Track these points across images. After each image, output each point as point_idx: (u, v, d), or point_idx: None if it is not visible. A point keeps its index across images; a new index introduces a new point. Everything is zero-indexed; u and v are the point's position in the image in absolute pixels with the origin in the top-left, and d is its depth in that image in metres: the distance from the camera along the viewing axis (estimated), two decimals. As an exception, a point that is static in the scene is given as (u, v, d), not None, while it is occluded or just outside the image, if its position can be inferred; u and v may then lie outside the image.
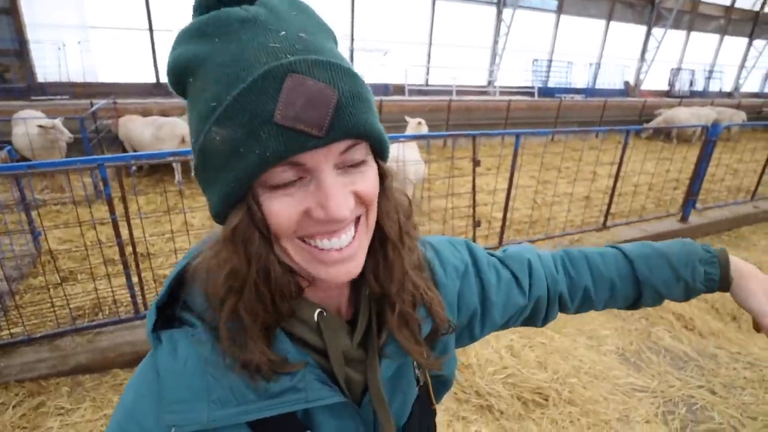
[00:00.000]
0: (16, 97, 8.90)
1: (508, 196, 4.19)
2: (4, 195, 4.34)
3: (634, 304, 0.84)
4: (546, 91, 15.66)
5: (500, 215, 4.36)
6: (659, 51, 17.12)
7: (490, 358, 2.91)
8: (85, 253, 3.36)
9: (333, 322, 0.56)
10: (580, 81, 16.96)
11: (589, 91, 16.48)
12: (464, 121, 10.72)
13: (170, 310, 0.54)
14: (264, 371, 0.49)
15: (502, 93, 14.73)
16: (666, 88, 18.81)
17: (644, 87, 17.98)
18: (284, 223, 0.46)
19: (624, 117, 13.16)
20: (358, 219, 0.50)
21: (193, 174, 0.45)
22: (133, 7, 10.49)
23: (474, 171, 4.03)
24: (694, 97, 18.11)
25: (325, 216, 0.45)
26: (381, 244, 0.56)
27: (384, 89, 12.56)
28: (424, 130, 6.50)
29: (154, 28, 10.90)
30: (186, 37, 0.46)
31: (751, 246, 5.19)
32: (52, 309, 2.99)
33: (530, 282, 0.79)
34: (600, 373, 2.90)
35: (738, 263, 0.78)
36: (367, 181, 0.49)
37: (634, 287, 0.81)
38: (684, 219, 5.33)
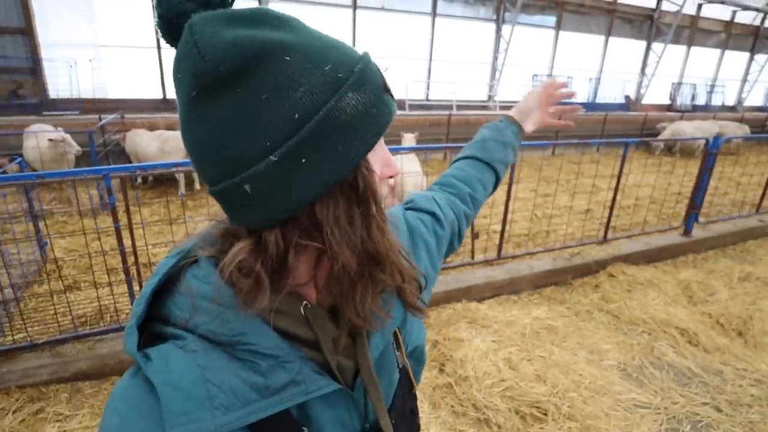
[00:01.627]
0: (29, 112, 9.09)
1: (507, 208, 4.21)
2: (14, 205, 4.42)
3: (497, 180, 1.06)
4: (547, 106, 15.75)
5: (499, 228, 4.38)
6: (660, 65, 17.22)
7: (487, 371, 2.90)
8: (89, 262, 3.41)
9: (317, 312, 0.57)
10: (581, 95, 17.06)
11: (590, 105, 16.54)
12: (464, 135, 10.78)
13: (149, 328, 0.53)
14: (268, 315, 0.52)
15: (502, 107, 14.83)
16: (667, 102, 18.87)
17: (645, 101, 18.03)
18: (382, 189, 0.55)
19: (625, 131, 13.19)
20: None
21: (260, 169, 0.44)
22: (142, 26, 10.76)
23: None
24: (696, 111, 18.12)
25: (391, 171, 0.57)
26: None
27: (387, 104, 12.70)
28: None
29: (162, 46, 11.11)
30: (232, 23, 0.46)
31: (757, 260, 5.15)
32: (55, 316, 3.03)
33: (443, 213, 0.89)
34: (601, 388, 2.88)
35: (513, 112, 1.11)
36: None
37: (491, 170, 1.03)
38: (687, 232, 5.31)
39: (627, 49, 17.34)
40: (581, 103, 16.40)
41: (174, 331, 0.51)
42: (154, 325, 0.53)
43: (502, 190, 4.44)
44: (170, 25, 0.50)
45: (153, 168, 4.76)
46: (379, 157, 0.55)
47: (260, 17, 0.47)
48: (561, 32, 15.95)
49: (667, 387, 2.95)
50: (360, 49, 0.53)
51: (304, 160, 0.46)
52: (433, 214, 0.87)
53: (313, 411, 0.56)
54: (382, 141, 0.55)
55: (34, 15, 9.40)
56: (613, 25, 16.67)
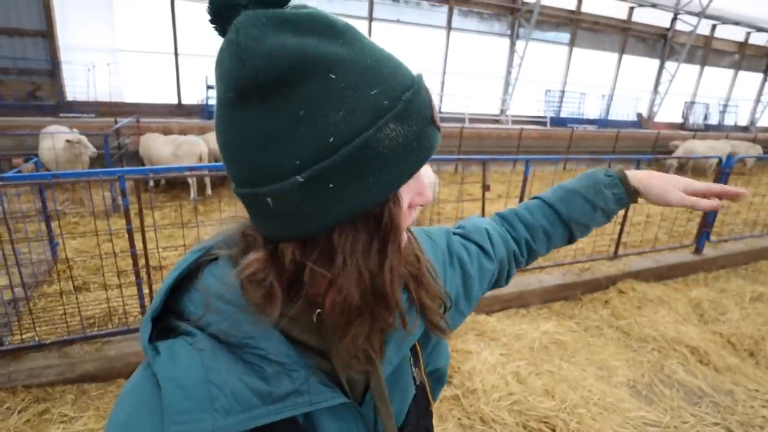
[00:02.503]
0: (46, 113, 9.28)
1: (518, 221, 4.19)
2: (27, 205, 4.48)
3: (570, 240, 0.93)
4: (558, 121, 15.76)
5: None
6: (672, 84, 17.19)
7: (495, 384, 2.86)
8: (99, 264, 3.44)
9: (336, 323, 0.56)
10: (593, 112, 17.05)
11: (602, 122, 16.54)
12: (476, 148, 10.82)
13: (164, 321, 0.53)
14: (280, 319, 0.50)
15: (514, 122, 14.87)
16: (680, 120, 18.79)
17: (657, 119, 17.98)
18: (408, 218, 0.53)
19: (637, 148, 13.14)
20: None
21: (286, 186, 0.43)
22: (160, 32, 10.98)
23: (483, 196, 4.06)
24: (708, 130, 18.03)
25: (424, 200, 0.54)
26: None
27: (399, 116, 12.81)
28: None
29: (179, 52, 11.35)
30: (282, 29, 0.43)
31: (770, 281, 5.07)
32: (63, 316, 3.04)
33: (493, 248, 0.85)
34: (610, 405, 2.82)
35: (635, 174, 0.89)
36: None
37: (564, 226, 0.91)
38: (698, 251, 5.24)
39: (640, 67, 17.37)
40: (593, 120, 16.43)
41: (186, 327, 0.51)
42: (169, 318, 0.53)
43: (512, 203, 4.43)
44: (219, 16, 0.47)
45: (166, 171, 4.82)
46: (412, 186, 0.52)
47: (313, 23, 0.44)
48: (575, 49, 16.01)
49: (677, 406, 2.89)
50: (416, 71, 0.51)
51: (331, 185, 0.44)
52: (481, 247, 0.84)
53: (319, 421, 0.55)
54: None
55: (55, 18, 9.63)
56: (627, 44, 16.72)
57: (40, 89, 9.83)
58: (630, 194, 0.88)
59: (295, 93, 0.42)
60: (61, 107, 9.81)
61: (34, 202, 4.32)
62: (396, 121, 0.45)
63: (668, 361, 3.34)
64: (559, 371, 3.08)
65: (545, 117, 15.78)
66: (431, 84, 14.27)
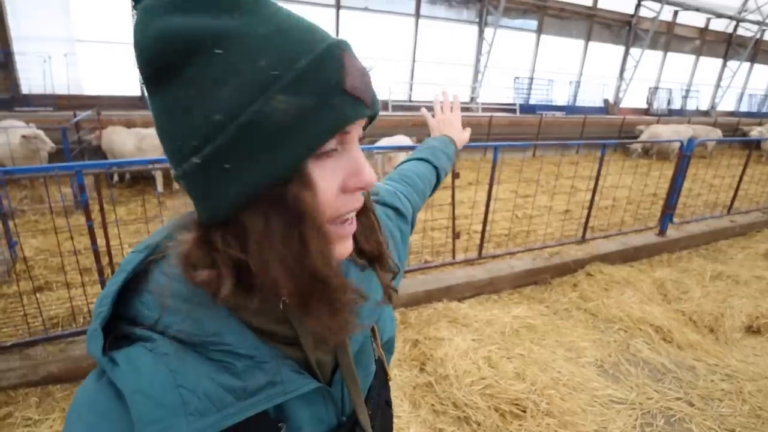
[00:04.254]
0: (-1, 107, 8.80)
1: (487, 208, 4.25)
2: (-20, 204, 4.25)
3: (437, 183, 1.13)
4: (527, 108, 15.97)
5: (480, 228, 4.42)
6: (637, 70, 17.65)
7: (467, 369, 2.91)
8: (61, 262, 3.31)
9: (295, 309, 0.56)
10: (561, 98, 17.35)
11: (570, 109, 16.85)
12: (448, 136, 10.87)
13: (115, 329, 0.49)
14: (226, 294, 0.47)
15: (484, 109, 14.99)
16: (645, 106, 19.35)
17: (623, 105, 18.46)
18: (329, 199, 0.48)
19: (603, 134, 13.47)
20: None
21: (189, 167, 0.43)
22: (119, 21, 10.51)
23: (453, 183, 4.09)
24: (672, 115, 18.64)
25: (360, 182, 0.49)
26: (363, 212, 0.60)
27: (369, 105, 12.74)
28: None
29: (141, 41, 10.91)
30: (172, 9, 0.42)
31: (728, 259, 5.31)
32: (24, 318, 2.93)
33: (405, 208, 0.92)
34: (578, 385, 2.92)
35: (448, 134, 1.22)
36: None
37: (436, 173, 1.11)
38: (662, 232, 5.44)
39: (606, 53, 17.73)
40: (562, 107, 16.73)
41: (142, 333, 0.48)
42: (120, 325, 0.49)
43: (482, 190, 4.49)
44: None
45: (129, 165, 4.65)
46: (342, 165, 0.48)
47: (204, 2, 0.42)
48: (542, 36, 16.20)
49: (642, 383, 3.01)
50: (327, 34, 0.47)
51: (227, 165, 0.42)
52: (396, 210, 0.87)
53: (290, 409, 0.55)
54: (352, 147, 0.49)
55: (5, 6, 9.10)
56: (593, 30, 17.01)
57: (-8, 82, 9.32)
58: (455, 145, 1.21)
59: (183, 75, 0.42)
60: (15, 101, 9.32)
61: (-12, 201, 4.12)
62: (286, 92, 0.42)
63: (634, 341, 3.47)
64: (529, 354, 3.16)
65: (515, 104, 15.97)
66: (401, 73, 14.28)
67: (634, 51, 17.65)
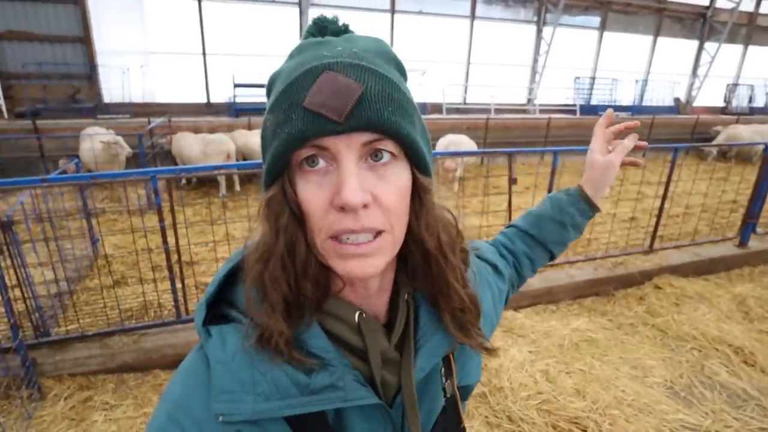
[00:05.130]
0: (85, 115, 9.69)
1: (547, 214, 4.09)
2: (70, 203, 4.70)
3: (552, 257, 1.00)
4: (588, 109, 15.22)
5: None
6: (713, 66, 16.33)
7: (523, 382, 2.82)
8: (135, 259, 3.58)
9: (372, 324, 0.58)
10: (626, 98, 16.40)
11: (636, 109, 15.88)
12: (502, 139, 10.62)
13: (217, 308, 0.58)
14: (280, 346, 0.51)
15: (542, 111, 14.48)
16: (722, 104, 17.85)
17: (697, 104, 17.14)
18: (315, 211, 0.50)
19: (674, 135, 12.58)
20: (380, 232, 0.51)
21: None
22: (189, 33, 11.25)
23: (510, 189, 3.98)
24: (754, 113, 17.05)
25: (338, 200, 0.47)
26: (423, 258, 0.58)
27: (421, 108, 12.64)
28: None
29: (207, 52, 11.60)
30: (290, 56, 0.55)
31: (821, 276, 4.77)
32: (104, 309, 3.19)
33: (504, 269, 0.89)
34: (645, 407, 2.73)
35: (586, 183, 0.97)
36: (389, 185, 0.51)
37: (542, 247, 0.97)
38: (743, 244, 4.98)
39: (677, 49, 16.56)
40: (627, 107, 15.82)
41: (237, 315, 0.56)
42: (222, 306, 0.58)
43: (540, 195, 4.32)
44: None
45: (196, 171, 4.96)
46: (330, 182, 0.49)
47: (296, 47, 0.55)
48: (606, 33, 15.42)
49: (719, 409, 2.76)
50: (329, 58, 0.49)
51: (262, 148, 0.55)
52: (495, 267, 0.86)
53: (349, 420, 0.56)
54: (342, 164, 0.48)
55: (91, 24, 10.00)
56: (662, 25, 15.96)
57: (80, 92, 10.27)
58: (591, 205, 0.96)
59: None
60: (99, 109, 10.21)
61: (76, 201, 4.54)
62: (270, 112, 0.51)
63: (709, 362, 3.20)
64: (590, 370, 3.00)
65: (575, 105, 15.29)
66: (456, 75, 14.11)
67: (710, 45, 16.35)
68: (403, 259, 0.61)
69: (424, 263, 0.59)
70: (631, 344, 3.40)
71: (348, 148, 0.48)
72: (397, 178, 0.51)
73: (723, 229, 5.47)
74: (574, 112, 15.00)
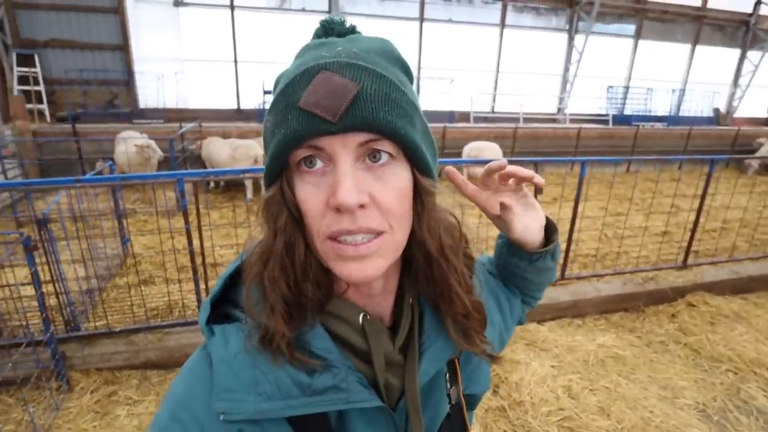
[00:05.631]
0: (122, 120, 10.08)
1: (572, 226, 3.98)
2: (103, 204, 4.88)
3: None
4: (622, 119, 14.78)
5: (564, 246, 4.15)
6: (756, 75, 15.63)
7: (545, 397, 2.73)
8: (162, 259, 3.67)
9: (376, 326, 0.58)
10: (662, 108, 15.87)
11: (672, 119, 15.33)
12: (531, 148, 10.44)
13: (221, 308, 0.58)
14: (282, 348, 0.51)
15: (572, 121, 14.18)
16: (765, 115, 17.05)
17: (738, 114, 16.43)
18: (313, 212, 0.49)
19: (713, 147, 12.08)
20: (380, 233, 0.50)
21: None
22: (222, 42, 11.61)
23: (535, 198, 3.89)
24: (800, 126, 16.21)
25: (333, 201, 0.47)
26: (426, 261, 0.57)
27: (449, 117, 12.62)
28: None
29: (238, 60, 11.91)
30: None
31: None
32: (131, 307, 3.28)
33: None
34: (674, 429, 2.60)
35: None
36: (387, 185, 0.50)
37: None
38: (784, 261, 4.72)
39: (717, 58, 15.94)
40: (662, 117, 15.30)
41: (240, 315, 0.56)
42: (227, 305, 0.59)
43: (568, 206, 4.22)
44: None
45: (222, 174, 5.06)
46: (327, 182, 0.49)
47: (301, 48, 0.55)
48: (641, 41, 15.01)
49: (756, 436, 2.61)
50: (326, 58, 0.49)
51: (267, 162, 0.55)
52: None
53: (351, 422, 0.56)
54: (338, 165, 0.48)
55: (130, 33, 10.44)
56: (702, 33, 15.42)
57: (117, 98, 10.70)
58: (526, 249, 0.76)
59: None
60: (135, 114, 10.61)
61: (109, 202, 4.71)
62: (270, 112, 0.52)
63: (746, 385, 3.03)
64: (616, 388, 2.89)
65: (607, 115, 14.90)
66: (484, 83, 13.98)
67: (753, 54, 15.68)
68: (408, 262, 0.60)
69: (426, 266, 0.58)
70: (661, 363, 3.26)
71: (344, 148, 0.48)
72: (396, 179, 0.51)
73: (764, 246, 5.20)
74: (606, 122, 14.62)
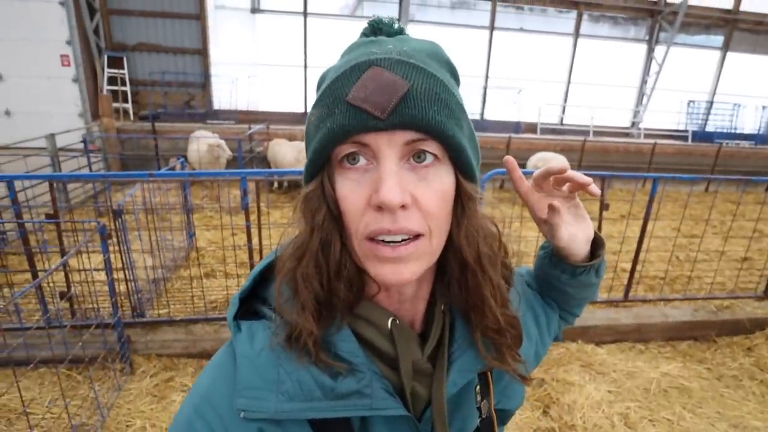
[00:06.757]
0: (197, 120, 10.81)
1: (639, 246, 3.73)
2: (174, 199, 5.23)
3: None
4: (703, 136, 13.63)
5: (629, 266, 3.89)
6: None
7: (599, 424, 2.57)
8: (224, 255, 3.87)
9: (405, 332, 0.56)
10: (750, 126, 14.48)
11: (760, 138, 13.93)
12: (600, 162, 9.90)
13: (250, 304, 0.58)
14: (308, 347, 0.51)
15: (647, 136, 13.30)
16: None
17: (843, 134, 14.61)
18: (352, 209, 0.49)
19: (810, 169, 10.84)
20: (418, 236, 0.50)
21: None
22: (293, 47, 12.11)
23: (600, 215, 3.69)
24: None
25: (376, 199, 0.46)
26: (461, 269, 0.56)
27: (515, 127, 12.29)
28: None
29: (308, 65, 12.37)
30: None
31: None
32: (192, 298, 3.48)
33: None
34: (745, 474, 2.36)
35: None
36: (430, 187, 0.49)
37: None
38: None
39: (819, 71, 14.31)
40: (750, 135, 13.96)
41: (268, 312, 0.56)
42: (255, 302, 0.58)
43: (636, 225, 3.97)
44: None
45: (284, 174, 5.26)
46: (369, 180, 0.48)
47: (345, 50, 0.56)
48: (729, 53, 13.82)
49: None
50: (377, 54, 0.48)
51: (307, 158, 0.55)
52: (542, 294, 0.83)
53: (375, 429, 0.54)
54: (382, 163, 0.47)
55: (209, 38, 11.19)
56: (802, 43, 13.93)
57: (194, 99, 11.50)
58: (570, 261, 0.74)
59: None
60: (209, 115, 11.34)
61: (179, 197, 5.04)
62: (315, 106, 0.51)
63: (834, 435, 2.68)
64: (679, 421, 2.66)
65: (686, 131, 13.83)
66: (554, 94, 13.45)
67: None
68: (442, 269, 0.59)
69: (460, 274, 0.56)
70: (733, 399, 2.96)
71: (389, 146, 0.47)
72: (440, 181, 0.50)
73: None
74: (685, 138, 13.58)
